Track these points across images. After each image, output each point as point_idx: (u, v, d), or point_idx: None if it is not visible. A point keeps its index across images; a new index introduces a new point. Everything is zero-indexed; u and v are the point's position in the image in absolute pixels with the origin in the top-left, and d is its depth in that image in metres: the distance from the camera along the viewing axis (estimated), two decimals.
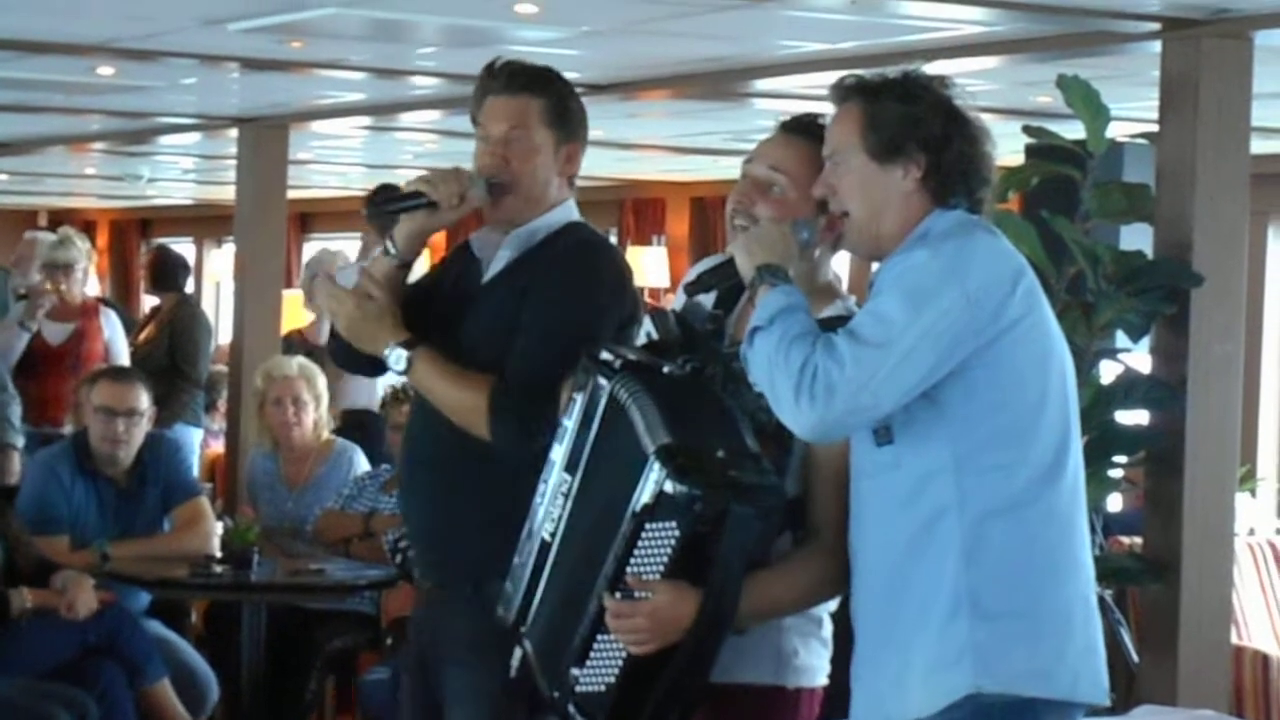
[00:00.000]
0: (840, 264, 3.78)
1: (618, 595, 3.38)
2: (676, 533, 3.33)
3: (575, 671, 3.47)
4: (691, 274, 3.70)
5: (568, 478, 3.54)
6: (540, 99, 4.09)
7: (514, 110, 4.07)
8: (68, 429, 8.88)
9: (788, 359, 3.27)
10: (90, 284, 10.21)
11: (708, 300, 3.66)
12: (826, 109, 3.58)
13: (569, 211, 4.15)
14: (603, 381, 3.49)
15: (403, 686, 4.33)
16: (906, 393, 3.29)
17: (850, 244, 3.53)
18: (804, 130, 3.61)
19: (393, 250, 4.08)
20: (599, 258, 4.11)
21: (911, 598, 3.35)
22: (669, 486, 3.28)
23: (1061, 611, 3.37)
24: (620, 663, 3.44)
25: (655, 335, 3.63)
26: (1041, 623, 3.35)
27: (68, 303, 9.52)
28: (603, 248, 4.18)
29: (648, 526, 3.34)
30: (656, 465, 3.28)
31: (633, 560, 3.37)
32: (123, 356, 9.67)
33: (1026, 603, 3.33)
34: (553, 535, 3.56)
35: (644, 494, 3.31)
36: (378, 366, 4.19)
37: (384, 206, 4.09)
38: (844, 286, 3.72)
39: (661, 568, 3.36)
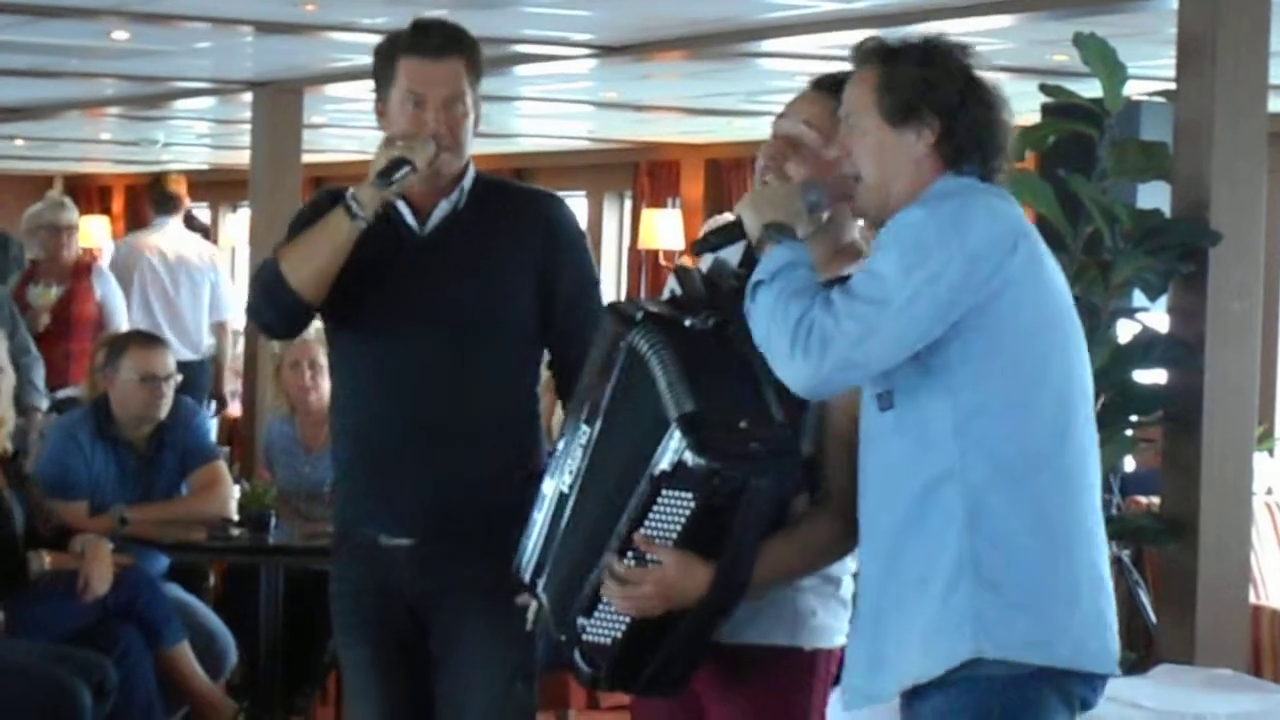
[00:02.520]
0: None
1: (629, 559, 3.39)
2: (692, 504, 3.34)
3: (582, 621, 3.50)
4: (702, 232, 3.70)
5: (586, 429, 3.53)
6: (468, 59, 4.19)
7: (452, 73, 4.16)
8: (66, 393, 8.92)
9: (786, 313, 3.28)
10: (107, 247, 10.31)
11: (733, 256, 3.64)
12: (843, 69, 3.57)
13: (470, 162, 4.28)
14: (623, 333, 3.48)
15: (370, 656, 4.25)
16: (902, 349, 3.28)
17: (860, 207, 3.51)
18: (835, 88, 3.56)
19: (361, 214, 4.08)
20: (576, 218, 4.36)
21: (914, 563, 3.34)
22: (688, 458, 3.28)
23: (1067, 580, 3.34)
24: (628, 619, 3.45)
25: (679, 292, 3.62)
26: (1045, 591, 3.32)
27: (61, 264, 9.55)
28: (564, 203, 4.40)
29: (664, 493, 3.35)
30: (678, 434, 3.28)
31: (646, 524, 3.38)
32: (118, 315, 9.69)
33: (1030, 571, 3.31)
34: (570, 487, 3.56)
35: (663, 460, 3.31)
36: (296, 327, 4.27)
37: (391, 179, 4.08)
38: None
39: (674, 536, 3.38)
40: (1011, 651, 3.29)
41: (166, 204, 10.63)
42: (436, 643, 4.19)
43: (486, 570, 4.02)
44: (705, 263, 3.72)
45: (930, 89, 3.38)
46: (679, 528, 3.36)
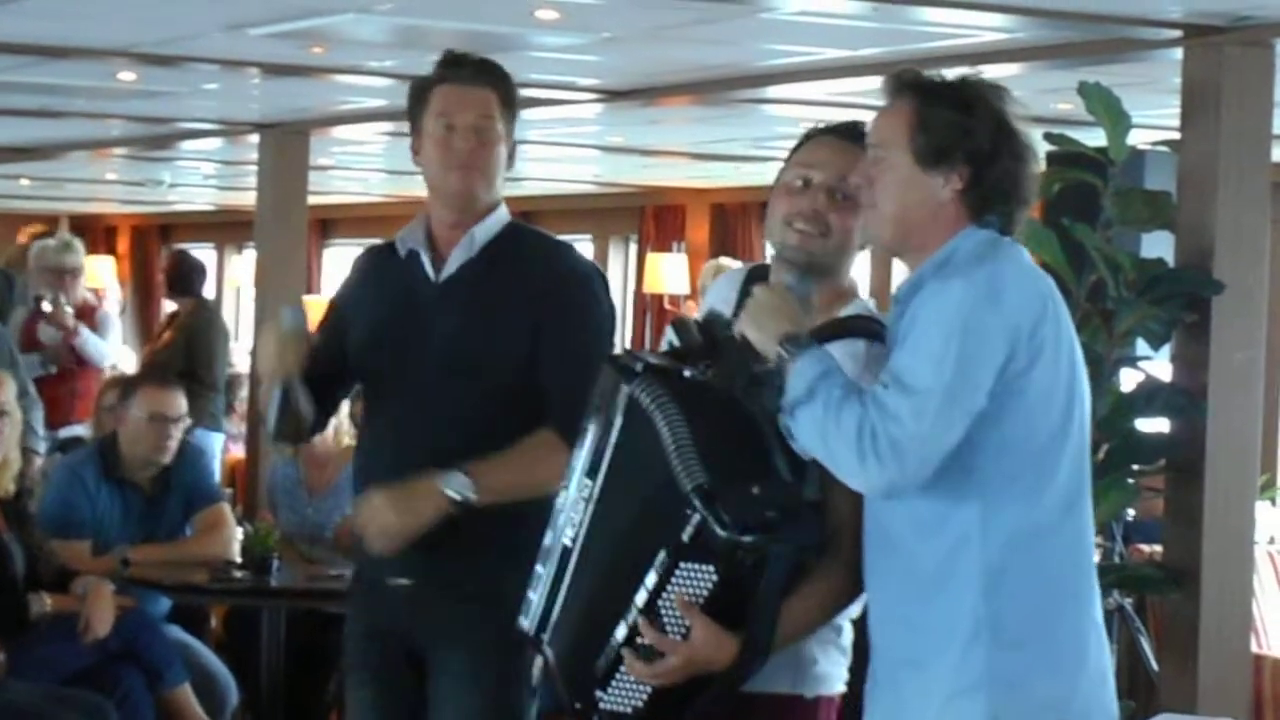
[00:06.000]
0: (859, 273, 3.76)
1: (640, 636, 3.37)
2: (715, 576, 3.33)
3: (599, 693, 3.47)
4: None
5: (588, 483, 3.51)
6: (499, 91, 4.20)
7: (481, 100, 4.17)
8: (71, 432, 8.92)
9: (840, 425, 3.22)
10: (113, 291, 10.30)
11: (725, 307, 3.64)
12: (849, 115, 3.58)
13: (504, 208, 4.26)
14: (623, 385, 3.46)
15: (371, 699, 4.30)
16: (962, 428, 3.25)
17: (870, 236, 3.49)
18: (832, 133, 3.61)
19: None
20: (591, 268, 4.31)
21: (933, 623, 3.32)
22: (710, 531, 3.26)
23: (1078, 639, 3.34)
24: (650, 689, 3.43)
25: (677, 343, 3.61)
26: (1059, 651, 3.32)
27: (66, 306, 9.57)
28: (582, 257, 4.35)
29: (683, 565, 3.34)
30: (697, 507, 3.27)
31: (664, 595, 3.36)
32: (102, 357, 9.70)
33: (1046, 631, 3.31)
34: (573, 541, 3.54)
35: (682, 533, 3.30)
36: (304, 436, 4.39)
37: (281, 428, 4.21)
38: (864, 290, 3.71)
39: (697, 606, 3.36)
40: (1028, 714, 3.28)
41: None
42: (429, 684, 4.22)
43: (479, 612, 4.08)
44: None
45: (965, 135, 3.33)
46: (701, 599, 3.35)
